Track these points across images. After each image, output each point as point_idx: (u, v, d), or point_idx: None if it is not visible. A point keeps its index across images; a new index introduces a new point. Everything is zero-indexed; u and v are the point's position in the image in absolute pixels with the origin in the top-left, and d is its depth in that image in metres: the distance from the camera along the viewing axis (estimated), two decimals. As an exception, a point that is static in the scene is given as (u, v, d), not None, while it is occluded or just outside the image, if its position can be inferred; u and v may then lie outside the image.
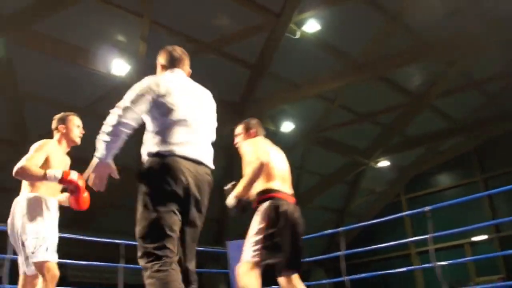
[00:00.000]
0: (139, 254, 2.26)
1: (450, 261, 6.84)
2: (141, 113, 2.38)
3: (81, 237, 6.33)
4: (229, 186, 3.48)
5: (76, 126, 3.66)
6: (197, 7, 9.29)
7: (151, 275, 2.13)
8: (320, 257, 7.81)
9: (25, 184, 3.40)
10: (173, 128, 2.42)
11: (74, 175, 3.32)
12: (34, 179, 3.28)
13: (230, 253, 7.46)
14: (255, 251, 3.21)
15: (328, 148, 14.61)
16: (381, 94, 12.94)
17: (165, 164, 2.32)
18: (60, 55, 9.21)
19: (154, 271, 2.13)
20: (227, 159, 13.01)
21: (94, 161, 2.32)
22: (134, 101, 2.36)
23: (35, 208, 3.28)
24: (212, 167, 2.56)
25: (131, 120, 2.33)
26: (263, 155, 3.25)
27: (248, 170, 3.26)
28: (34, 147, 3.41)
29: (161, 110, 2.43)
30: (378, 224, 11.35)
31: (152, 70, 2.80)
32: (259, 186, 3.37)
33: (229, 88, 11.48)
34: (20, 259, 3.38)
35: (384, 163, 16.42)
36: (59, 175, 3.25)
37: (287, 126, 13.08)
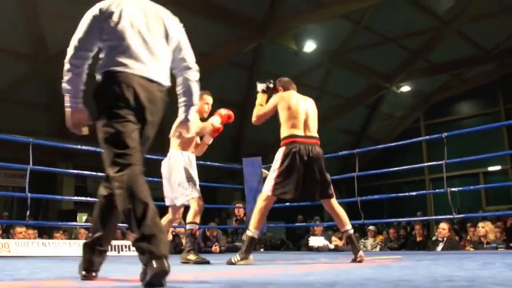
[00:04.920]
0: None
1: (461, 188, 6.91)
2: (91, 47, 2.38)
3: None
4: (265, 84, 4.32)
5: (206, 104, 4.70)
6: None
7: (118, 183, 2.18)
8: (334, 177, 7.86)
9: (174, 144, 4.59)
10: (123, 50, 2.35)
11: (216, 121, 4.54)
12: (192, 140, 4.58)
13: (245, 169, 7.60)
14: (270, 185, 3.96)
15: (350, 70, 14.42)
16: (409, 17, 12.54)
17: (117, 80, 2.31)
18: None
19: (119, 178, 2.18)
20: (247, 75, 12.99)
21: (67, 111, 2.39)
22: (81, 39, 2.37)
23: (185, 161, 4.54)
24: (166, 84, 2.46)
25: (81, 59, 2.37)
26: (269, 111, 4.16)
27: (261, 109, 4.20)
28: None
29: (111, 36, 2.37)
30: (394, 149, 11.39)
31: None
32: (283, 132, 4.04)
33: (252, 5, 11.22)
34: (170, 194, 4.57)
35: (405, 88, 16.24)
36: (217, 121, 4.56)
37: (309, 46, 12.85)
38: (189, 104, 2.53)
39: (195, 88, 2.52)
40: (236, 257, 3.86)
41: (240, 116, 13.21)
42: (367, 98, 16.14)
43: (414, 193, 9.06)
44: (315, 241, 7.74)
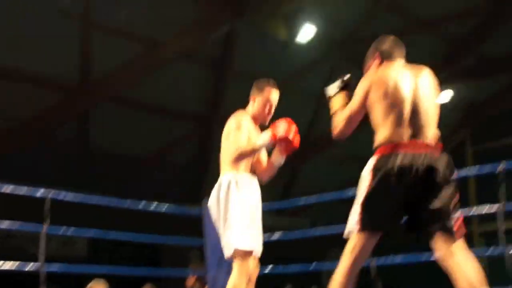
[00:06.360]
0: None
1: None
2: None
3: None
4: (338, 81, 4.12)
5: (267, 102, 4.65)
6: None
7: None
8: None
9: (226, 163, 4.45)
10: None
11: (281, 128, 4.30)
12: (249, 156, 4.44)
13: (207, 215, 7.54)
14: (355, 218, 3.60)
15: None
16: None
17: None
18: None
19: None
20: (213, 76, 12.95)
21: None
22: None
23: (246, 188, 4.41)
24: None
25: None
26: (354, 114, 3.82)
27: (344, 112, 3.88)
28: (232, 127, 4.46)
29: None
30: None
31: None
32: (377, 136, 3.72)
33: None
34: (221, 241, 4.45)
35: (445, 95, 16.22)
36: (267, 139, 4.29)
37: (306, 32, 12.81)
38: None
39: None
40: None
41: (203, 135, 13.09)
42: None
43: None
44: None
